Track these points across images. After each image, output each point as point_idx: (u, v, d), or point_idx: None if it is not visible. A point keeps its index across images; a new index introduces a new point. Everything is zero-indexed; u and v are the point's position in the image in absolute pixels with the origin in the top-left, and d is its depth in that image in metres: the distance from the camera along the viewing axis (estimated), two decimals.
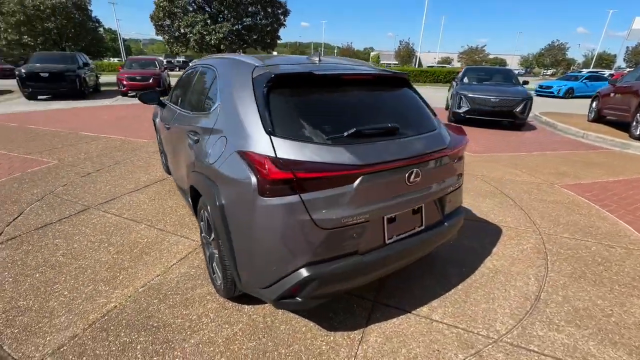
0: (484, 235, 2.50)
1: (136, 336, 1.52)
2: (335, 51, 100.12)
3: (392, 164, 1.44)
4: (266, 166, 1.25)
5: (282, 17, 20.44)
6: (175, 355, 1.43)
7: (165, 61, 21.39)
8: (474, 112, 7.04)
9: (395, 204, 1.48)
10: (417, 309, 1.73)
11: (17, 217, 2.62)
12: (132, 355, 1.43)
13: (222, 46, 15.07)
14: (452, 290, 1.88)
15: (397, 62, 55.84)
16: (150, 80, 12.25)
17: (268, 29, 18.97)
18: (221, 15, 16.82)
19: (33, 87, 10.43)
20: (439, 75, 21.83)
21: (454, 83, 8.62)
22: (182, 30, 11.08)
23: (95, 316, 1.63)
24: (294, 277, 1.31)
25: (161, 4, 17.32)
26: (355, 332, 1.57)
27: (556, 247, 2.35)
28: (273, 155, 1.27)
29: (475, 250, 2.30)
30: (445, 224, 1.74)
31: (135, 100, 11.01)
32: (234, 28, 13.48)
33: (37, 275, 1.93)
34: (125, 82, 12.05)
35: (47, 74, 10.40)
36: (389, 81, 1.83)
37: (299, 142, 1.32)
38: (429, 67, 31.99)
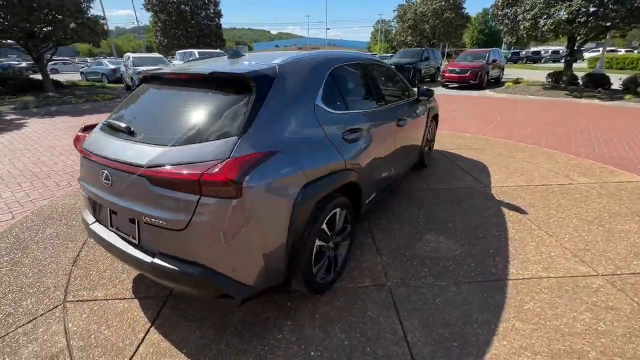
0: None
1: None
2: None
3: (96, 157, 1.63)
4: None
5: None
6: None
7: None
8: None
9: (99, 195, 1.67)
10: None
11: None
12: None
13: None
14: None
15: None
16: (467, 74, 13.24)
17: None
18: None
19: None
20: None
21: None
22: (518, 17, 10.35)
23: None
24: None
25: None
26: None
27: None
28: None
29: None
30: (141, 255, 1.55)
31: (453, 92, 12.56)
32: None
33: None
34: (446, 74, 13.94)
35: (393, 67, 14.47)
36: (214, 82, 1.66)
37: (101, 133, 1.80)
38: None
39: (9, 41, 11.41)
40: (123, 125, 1.66)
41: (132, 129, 1.63)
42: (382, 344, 1.71)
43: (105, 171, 1.56)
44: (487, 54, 14.14)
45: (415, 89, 3.40)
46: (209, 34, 20.65)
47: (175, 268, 1.46)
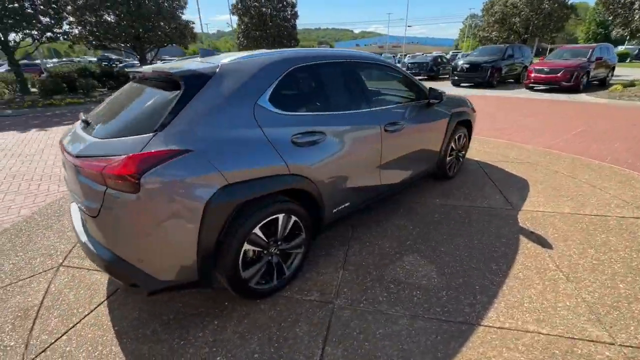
0: None
1: None
2: None
3: (61, 147, 1.76)
4: None
5: None
6: None
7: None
8: None
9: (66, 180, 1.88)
10: None
11: None
12: None
13: None
14: None
15: None
16: (559, 74, 11.19)
17: None
18: None
19: (459, 75, 13.71)
20: None
21: None
22: (635, 5, 8.16)
23: None
24: None
25: None
26: None
27: None
28: None
29: None
30: (81, 235, 1.72)
31: (536, 95, 10.91)
32: None
33: None
34: (532, 74, 12.00)
35: (467, 65, 13.11)
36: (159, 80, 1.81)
37: None
38: None
39: (119, 44, 13.76)
40: (86, 118, 1.86)
41: (90, 122, 1.81)
42: None
43: (65, 160, 1.77)
44: (590, 51, 11.68)
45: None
46: (285, 35, 21.74)
47: (94, 251, 1.58)
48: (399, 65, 8.82)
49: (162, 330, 1.81)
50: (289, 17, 21.57)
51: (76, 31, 12.51)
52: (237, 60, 1.83)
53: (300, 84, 2.07)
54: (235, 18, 21.96)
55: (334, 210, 2.27)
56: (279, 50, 2.08)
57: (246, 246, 1.76)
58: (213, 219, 1.58)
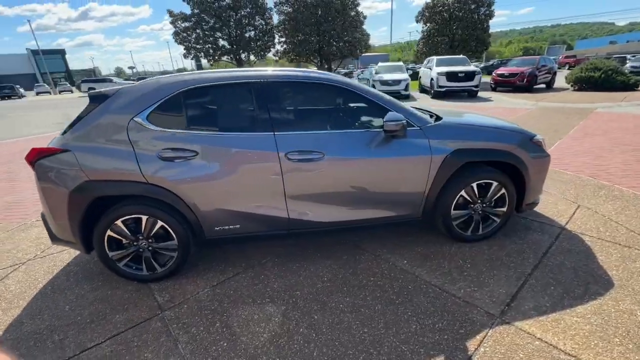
0: None
1: None
2: None
3: None
4: None
5: None
6: None
7: None
8: None
9: None
10: None
11: None
12: None
13: None
14: None
15: None
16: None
17: None
18: None
19: None
20: None
21: None
22: None
23: None
24: None
25: None
26: None
27: None
28: None
29: None
30: None
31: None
32: None
33: None
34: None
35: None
36: None
37: None
38: None
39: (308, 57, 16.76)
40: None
41: None
42: None
43: None
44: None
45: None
46: (474, 39, 19.48)
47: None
48: None
49: None
50: (482, 17, 19.06)
51: (280, 48, 16.33)
52: (137, 83, 2.23)
53: (187, 104, 2.20)
54: (419, 26, 21.63)
55: (217, 228, 2.28)
56: (184, 74, 2.29)
57: (110, 232, 2.18)
58: (76, 205, 2.10)
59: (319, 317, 1.95)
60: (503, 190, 2.51)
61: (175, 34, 14.89)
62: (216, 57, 15.90)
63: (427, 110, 2.93)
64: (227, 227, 2.29)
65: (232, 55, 15.79)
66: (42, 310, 2.14)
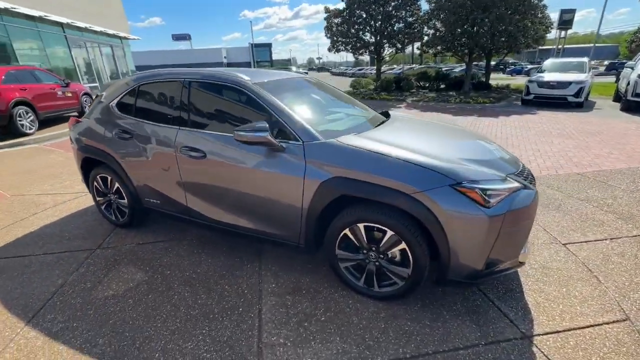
0: None
1: None
2: None
3: None
4: None
5: None
6: None
7: None
8: None
9: None
10: None
11: None
12: None
13: None
14: None
15: None
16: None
17: None
18: None
19: None
20: None
21: None
22: None
23: None
24: None
25: None
26: None
27: None
28: None
29: None
30: None
31: None
32: None
33: None
34: None
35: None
36: None
37: None
38: None
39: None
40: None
41: None
42: None
43: None
44: None
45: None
46: None
47: None
48: None
49: None
50: None
51: (428, 39, 15.11)
52: (119, 79, 2.94)
53: (138, 96, 2.69)
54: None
55: (145, 199, 2.80)
56: (148, 71, 2.80)
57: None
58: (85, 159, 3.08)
59: (159, 293, 2.17)
60: (404, 245, 1.84)
61: (327, 29, 16.30)
62: (360, 52, 16.42)
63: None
64: (151, 200, 2.76)
65: (374, 48, 15.91)
66: None
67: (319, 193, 1.95)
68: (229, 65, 66.58)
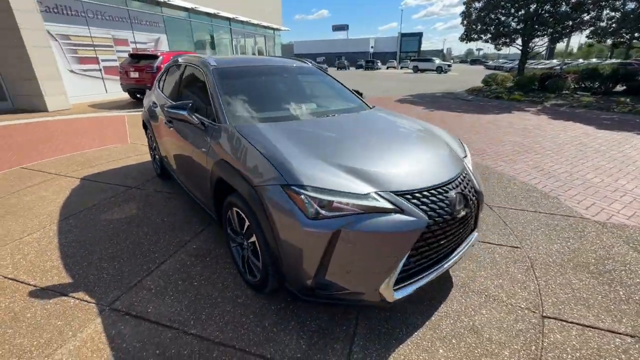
0: None
1: None
2: None
3: None
4: None
5: None
6: None
7: None
8: None
9: None
10: None
11: None
12: None
13: None
14: None
15: None
16: None
17: None
18: None
19: None
20: None
21: None
22: None
23: None
24: None
25: None
26: None
27: None
28: None
29: None
30: None
31: None
32: None
33: None
34: None
35: None
36: None
37: None
38: None
39: None
40: None
41: None
42: None
43: None
44: None
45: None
46: None
47: None
48: None
49: None
50: None
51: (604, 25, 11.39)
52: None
53: (168, 74, 3.37)
54: None
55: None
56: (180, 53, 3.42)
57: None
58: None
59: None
60: (254, 238, 1.80)
61: (465, 14, 14.27)
62: (500, 42, 13.72)
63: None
64: (170, 166, 3.45)
65: (521, 38, 13.05)
66: None
67: (212, 172, 2.11)
68: (375, 55, 67.27)
